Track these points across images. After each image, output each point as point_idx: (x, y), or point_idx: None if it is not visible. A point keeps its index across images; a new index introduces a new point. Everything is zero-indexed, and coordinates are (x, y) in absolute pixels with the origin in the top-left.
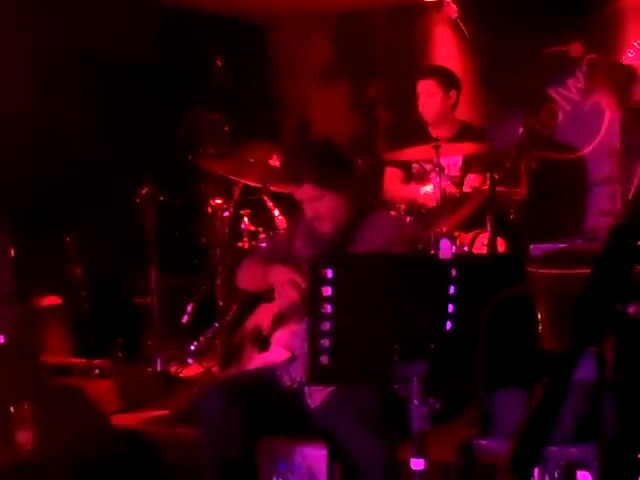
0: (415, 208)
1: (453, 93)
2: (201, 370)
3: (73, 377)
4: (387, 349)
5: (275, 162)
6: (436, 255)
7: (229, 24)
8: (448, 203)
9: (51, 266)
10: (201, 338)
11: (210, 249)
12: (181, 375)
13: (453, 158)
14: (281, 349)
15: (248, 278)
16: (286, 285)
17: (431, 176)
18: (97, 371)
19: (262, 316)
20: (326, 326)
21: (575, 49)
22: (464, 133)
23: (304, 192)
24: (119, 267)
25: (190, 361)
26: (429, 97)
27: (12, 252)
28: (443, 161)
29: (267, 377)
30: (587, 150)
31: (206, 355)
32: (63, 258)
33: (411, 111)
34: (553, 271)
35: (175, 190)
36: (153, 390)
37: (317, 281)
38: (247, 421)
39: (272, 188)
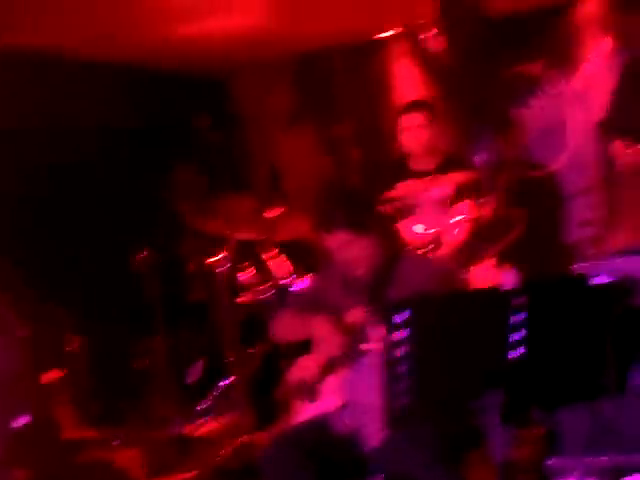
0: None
1: (436, 125)
2: (216, 427)
3: (95, 450)
4: (462, 385)
5: (275, 213)
6: (499, 287)
7: (190, 80)
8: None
9: (50, 339)
10: (210, 396)
11: (210, 307)
12: (198, 435)
13: (443, 189)
14: (332, 397)
15: (286, 330)
16: (329, 337)
17: (418, 211)
18: (117, 442)
19: (303, 368)
20: (402, 369)
21: (535, 68)
22: (447, 162)
23: (336, 239)
24: (118, 333)
25: (205, 420)
26: (417, 130)
27: (26, 330)
28: (433, 193)
29: (321, 427)
30: (557, 164)
31: (219, 412)
32: (61, 330)
33: (383, 147)
34: None
35: (168, 251)
36: (175, 453)
37: (393, 326)
38: (314, 473)
39: (275, 239)
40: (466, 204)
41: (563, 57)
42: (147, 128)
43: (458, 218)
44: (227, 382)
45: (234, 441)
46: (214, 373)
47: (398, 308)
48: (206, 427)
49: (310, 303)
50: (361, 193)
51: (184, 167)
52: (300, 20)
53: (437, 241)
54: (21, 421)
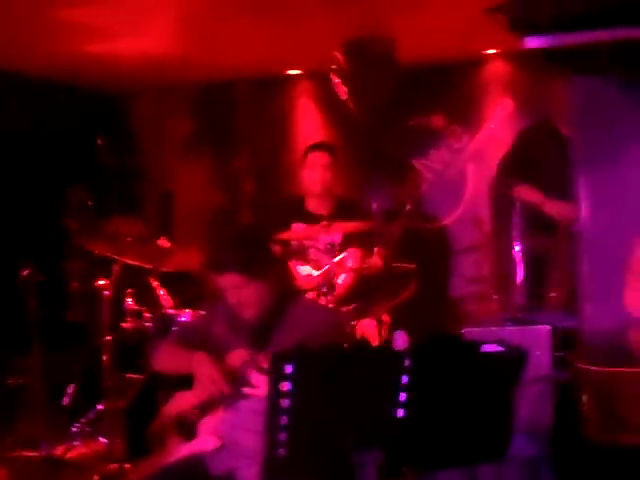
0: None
1: (335, 169)
2: (86, 452)
3: None
4: (342, 439)
5: (165, 243)
6: (390, 346)
7: (91, 97)
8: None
9: None
10: (83, 419)
11: (91, 329)
12: (67, 457)
13: (333, 235)
14: (209, 437)
15: (167, 362)
16: (207, 377)
17: (310, 252)
18: None
19: (182, 403)
20: (284, 420)
21: (437, 120)
22: (341, 208)
23: (227, 280)
24: None
25: (76, 443)
26: (321, 170)
27: None
28: (323, 237)
29: (197, 466)
30: (450, 219)
31: (91, 436)
32: None
33: (277, 183)
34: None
35: (53, 269)
36: (44, 475)
37: (278, 376)
38: None
39: (162, 268)
40: (356, 252)
41: (466, 113)
42: (44, 142)
43: (347, 265)
44: (101, 407)
45: (103, 468)
46: (89, 396)
47: (283, 359)
48: (76, 451)
49: (194, 337)
50: (254, 234)
51: (76, 185)
52: (209, 49)
53: (327, 286)
54: None
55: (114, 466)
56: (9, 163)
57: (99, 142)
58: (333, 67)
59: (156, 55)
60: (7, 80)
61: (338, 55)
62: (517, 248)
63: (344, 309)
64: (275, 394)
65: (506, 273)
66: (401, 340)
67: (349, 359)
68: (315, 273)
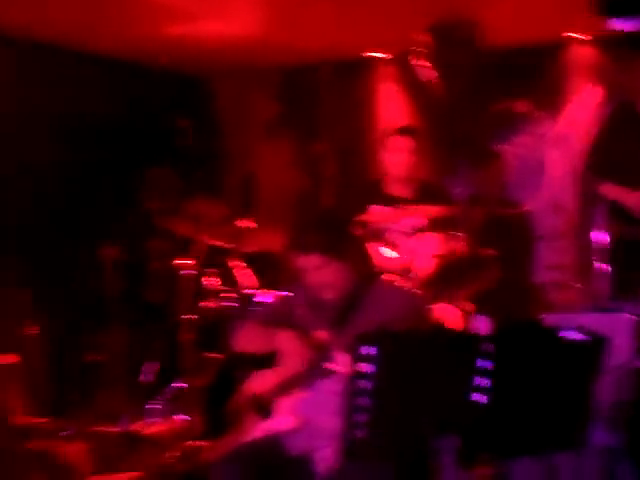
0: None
1: (418, 154)
2: (165, 429)
3: (43, 440)
4: (421, 424)
5: (246, 224)
6: (471, 331)
7: (173, 79)
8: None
9: (7, 324)
10: (162, 397)
11: (171, 308)
12: (145, 434)
13: (415, 219)
14: (287, 417)
15: (249, 341)
16: (295, 355)
17: (391, 235)
18: (67, 433)
19: (261, 382)
20: (364, 401)
21: (521, 105)
22: (424, 192)
23: (308, 261)
24: (77, 324)
25: (155, 420)
26: (405, 154)
27: None
28: (405, 221)
29: (274, 446)
30: (533, 204)
31: (169, 414)
32: (20, 316)
33: (358, 167)
34: None
35: (135, 249)
36: (122, 451)
37: (359, 358)
38: None
39: (243, 249)
40: (438, 237)
41: (551, 98)
42: (127, 124)
43: (429, 250)
44: (180, 385)
45: (181, 445)
46: (168, 374)
47: (365, 341)
48: (155, 427)
49: (275, 317)
50: (335, 217)
51: (159, 166)
52: (293, 32)
53: (408, 270)
54: None
55: (192, 443)
56: (94, 145)
57: (181, 124)
58: (417, 50)
59: (239, 37)
60: (91, 63)
61: (423, 38)
62: (601, 236)
63: (425, 294)
64: (356, 375)
65: (589, 261)
66: (482, 325)
67: (430, 343)
68: (395, 256)
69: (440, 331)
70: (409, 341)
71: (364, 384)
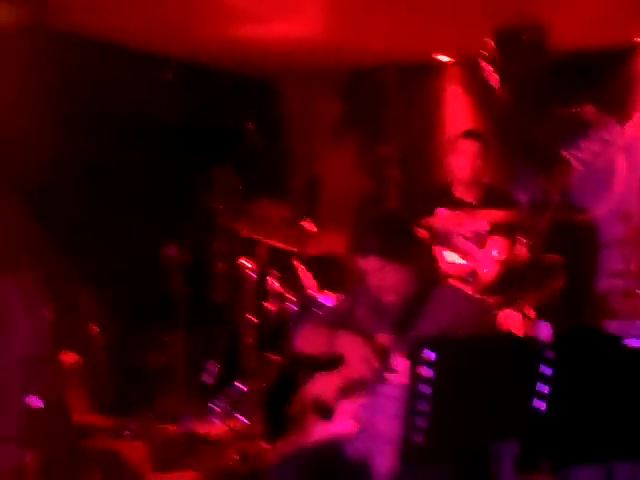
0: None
1: (485, 158)
2: (225, 430)
3: (104, 439)
4: (481, 429)
5: (310, 226)
6: (533, 338)
7: (239, 80)
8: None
9: (69, 324)
10: (223, 398)
11: (234, 309)
12: (206, 435)
13: (479, 223)
14: (348, 420)
15: (310, 342)
16: (358, 358)
17: (456, 239)
18: (127, 432)
19: (321, 385)
20: (423, 406)
21: (588, 110)
22: (489, 196)
23: (369, 264)
24: (139, 324)
25: (215, 421)
26: (471, 158)
27: (50, 313)
28: (469, 225)
29: (334, 449)
30: (599, 211)
31: (230, 415)
32: (81, 316)
33: (424, 170)
34: None
35: (199, 250)
36: (182, 451)
37: (419, 362)
38: None
39: (307, 251)
40: (502, 242)
41: (618, 103)
42: (193, 125)
43: (493, 255)
44: (242, 386)
45: (242, 446)
46: (230, 376)
47: (426, 346)
48: (216, 428)
49: (337, 319)
50: (399, 220)
51: (224, 167)
52: (359, 34)
53: (472, 274)
54: (36, 402)
55: (253, 445)
56: (161, 146)
57: (249, 127)
58: (484, 54)
59: (306, 39)
60: (158, 64)
61: (489, 42)
62: None
63: (488, 300)
64: (416, 380)
65: None
66: (544, 332)
67: (491, 349)
68: (460, 261)
69: (501, 337)
70: (469, 347)
71: (423, 389)
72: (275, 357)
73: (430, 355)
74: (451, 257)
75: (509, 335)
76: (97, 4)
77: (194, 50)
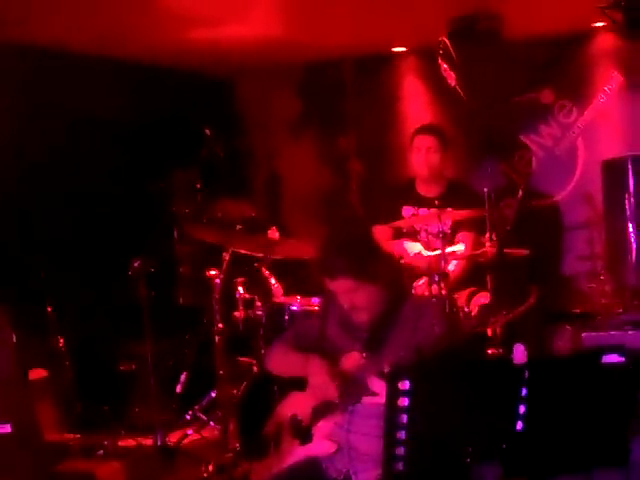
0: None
1: (447, 153)
2: (200, 440)
3: (77, 460)
4: (461, 453)
5: (274, 234)
6: (510, 359)
7: (196, 82)
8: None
9: (34, 339)
10: (196, 406)
11: (202, 316)
12: (181, 446)
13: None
14: (325, 441)
15: (282, 366)
16: (321, 387)
17: (421, 234)
18: (101, 451)
19: (296, 405)
20: (401, 435)
21: (546, 96)
22: (452, 191)
23: (340, 285)
24: (102, 336)
25: (189, 431)
26: (429, 153)
27: (14, 337)
28: (435, 220)
29: (313, 470)
30: (562, 195)
31: (204, 424)
32: (45, 330)
33: (385, 164)
34: None
35: (163, 254)
36: (158, 464)
37: (395, 393)
38: None
39: (272, 257)
40: (468, 237)
41: (575, 88)
42: (150, 128)
43: (457, 249)
44: (214, 394)
45: (218, 457)
46: (201, 384)
47: (400, 375)
48: (190, 439)
49: (308, 339)
50: (364, 237)
51: (184, 169)
52: (313, 29)
53: (439, 273)
54: (4, 428)
55: (229, 455)
56: (117, 150)
57: (207, 133)
58: (440, 52)
59: (261, 37)
60: (113, 67)
61: (445, 40)
62: (631, 227)
63: (456, 295)
64: (393, 410)
65: (618, 252)
66: (520, 353)
67: (467, 373)
68: (425, 253)
69: (477, 360)
70: (444, 371)
71: (401, 418)
72: (245, 365)
73: (404, 384)
74: (416, 248)
75: (483, 357)
76: (54, 13)
77: (152, 54)
